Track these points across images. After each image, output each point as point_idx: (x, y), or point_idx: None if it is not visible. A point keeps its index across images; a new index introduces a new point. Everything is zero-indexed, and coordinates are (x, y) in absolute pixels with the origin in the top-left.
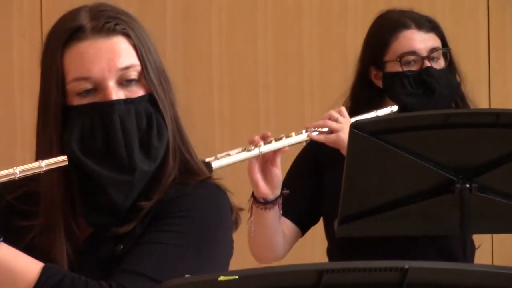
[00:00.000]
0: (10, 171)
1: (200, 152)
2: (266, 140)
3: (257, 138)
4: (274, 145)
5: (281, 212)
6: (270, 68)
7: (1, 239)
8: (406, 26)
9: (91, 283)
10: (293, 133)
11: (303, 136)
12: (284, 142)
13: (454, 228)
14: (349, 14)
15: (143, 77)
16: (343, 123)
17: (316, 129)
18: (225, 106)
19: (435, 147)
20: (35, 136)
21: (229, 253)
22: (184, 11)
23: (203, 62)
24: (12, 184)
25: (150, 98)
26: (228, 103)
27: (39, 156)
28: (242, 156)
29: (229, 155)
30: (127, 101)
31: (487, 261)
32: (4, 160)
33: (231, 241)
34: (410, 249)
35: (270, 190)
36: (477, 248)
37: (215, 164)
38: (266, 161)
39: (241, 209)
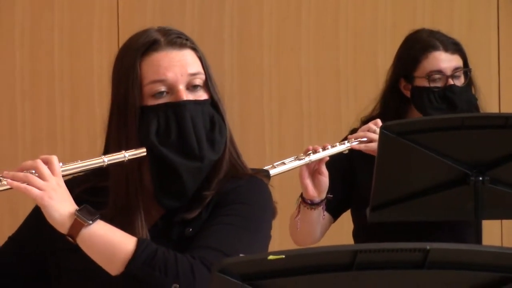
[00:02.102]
0: (99, 160)
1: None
2: (316, 151)
3: (310, 147)
4: (321, 154)
5: (324, 213)
6: (311, 77)
7: (98, 216)
8: (435, 48)
9: (179, 255)
10: (337, 143)
11: (346, 146)
12: (330, 152)
13: (469, 215)
14: (379, 29)
15: (206, 84)
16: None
17: (356, 139)
18: (274, 111)
19: (452, 146)
20: (106, 132)
21: (269, 236)
22: (239, 32)
23: (255, 75)
24: (78, 179)
25: (212, 102)
26: (277, 109)
27: (113, 149)
28: (295, 164)
29: (283, 163)
30: (196, 102)
31: (497, 244)
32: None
33: (271, 227)
34: (426, 234)
35: (317, 193)
36: None
37: (272, 172)
38: (315, 169)
39: (275, 202)
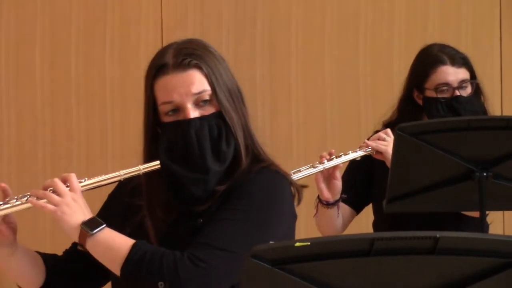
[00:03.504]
0: (117, 174)
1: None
2: (331, 155)
3: (324, 154)
4: (334, 162)
5: (339, 211)
6: (334, 87)
7: (105, 226)
8: (442, 62)
9: (167, 253)
10: (350, 151)
11: (358, 153)
12: (342, 159)
13: (474, 207)
14: (395, 43)
15: (214, 98)
16: (389, 141)
17: (368, 147)
18: (301, 117)
19: (460, 145)
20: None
21: (290, 222)
22: (269, 46)
23: (284, 84)
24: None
25: (219, 114)
26: (303, 115)
27: (145, 159)
28: (309, 172)
29: (299, 171)
30: (201, 118)
31: (500, 233)
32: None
33: (291, 213)
34: (436, 224)
35: (331, 195)
36: (489, 224)
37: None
38: (329, 174)
39: (304, 186)
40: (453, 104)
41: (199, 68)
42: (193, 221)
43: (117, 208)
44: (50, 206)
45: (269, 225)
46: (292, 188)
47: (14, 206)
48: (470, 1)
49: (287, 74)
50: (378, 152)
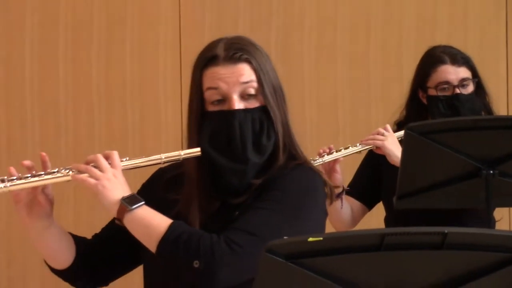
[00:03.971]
0: (158, 157)
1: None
2: (330, 150)
3: (324, 149)
4: (334, 156)
5: (342, 203)
6: (346, 87)
7: (144, 203)
8: (443, 62)
9: (204, 235)
10: (350, 145)
11: (358, 148)
12: (342, 153)
13: (481, 203)
14: (404, 45)
15: (260, 93)
16: (387, 136)
17: (367, 142)
18: (314, 116)
19: (467, 144)
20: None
21: (320, 218)
22: (283, 47)
23: (297, 84)
24: (172, 167)
25: (264, 109)
26: (316, 114)
27: (187, 146)
28: None
29: None
30: (245, 111)
31: (506, 228)
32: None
33: (323, 209)
34: (443, 220)
35: None
36: (498, 221)
37: None
38: (330, 168)
39: (336, 187)
40: (454, 102)
41: (249, 62)
42: (230, 213)
43: (150, 201)
44: (91, 180)
45: (299, 218)
46: (325, 187)
47: (54, 178)
48: (477, 3)
49: (300, 75)
50: (378, 147)
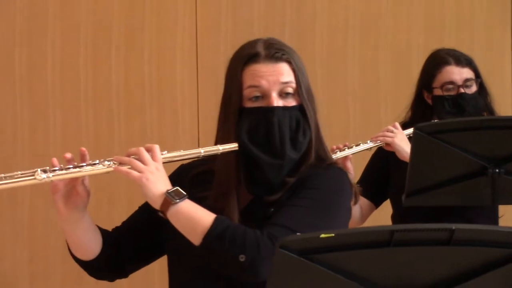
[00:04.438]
0: (197, 151)
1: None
2: (341, 148)
3: (335, 147)
4: (345, 152)
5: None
6: (356, 87)
7: (187, 197)
8: (447, 63)
9: (248, 229)
10: (361, 142)
11: (368, 145)
12: (354, 150)
13: (487, 201)
14: (413, 48)
15: (297, 92)
16: (396, 133)
17: (376, 139)
18: (325, 115)
19: (473, 143)
20: (216, 127)
21: (346, 217)
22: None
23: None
24: (197, 162)
25: (300, 108)
26: (327, 113)
27: (218, 141)
28: None
29: None
30: (284, 108)
31: (509, 225)
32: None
33: (349, 208)
34: (448, 217)
35: None
36: (500, 217)
37: None
38: (341, 165)
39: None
40: (459, 101)
41: (289, 62)
42: (265, 209)
43: None
44: (135, 173)
45: (330, 216)
46: (351, 188)
47: (96, 169)
48: (484, 7)
49: (312, 76)
50: (387, 144)
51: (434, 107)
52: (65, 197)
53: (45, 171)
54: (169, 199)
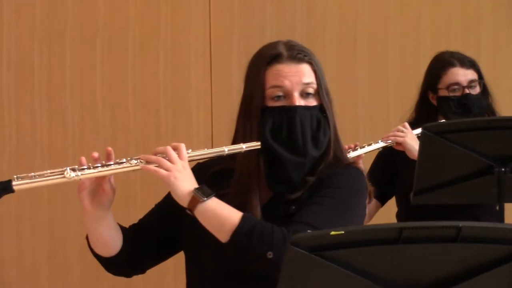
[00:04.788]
0: (221, 149)
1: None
2: (355, 147)
3: (347, 147)
4: (357, 152)
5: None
6: (366, 89)
7: (213, 195)
8: (452, 65)
9: (275, 228)
10: (372, 142)
11: (379, 144)
12: (366, 149)
13: (493, 199)
14: (421, 50)
15: (317, 93)
16: (406, 133)
17: (387, 139)
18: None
19: (480, 143)
20: (236, 124)
21: (363, 215)
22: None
23: None
24: (214, 161)
25: (320, 108)
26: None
27: (238, 140)
28: None
29: None
30: (306, 108)
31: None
32: None
33: (365, 207)
34: (452, 215)
35: None
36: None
37: None
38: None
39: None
40: (464, 101)
41: (310, 63)
42: (286, 207)
43: None
44: (163, 172)
45: (349, 214)
46: (367, 188)
47: (123, 167)
48: (489, 10)
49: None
50: (398, 143)
51: (440, 107)
52: (91, 195)
53: (74, 170)
54: (197, 197)
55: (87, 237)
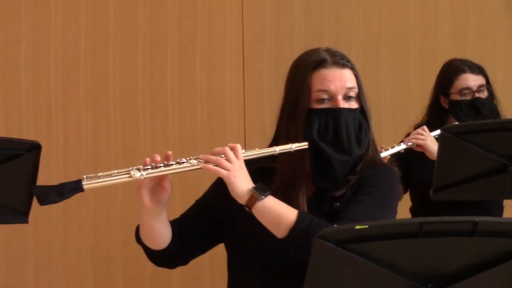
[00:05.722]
0: (272, 149)
1: None
2: (381, 149)
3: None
4: (383, 154)
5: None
6: (387, 93)
7: (270, 193)
8: (464, 71)
9: (328, 224)
10: (395, 145)
11: (402, 146)
12: (390, 152)
13: (508, 196)
14: (439, 54)
15: (358, 96)
16: (426, 136)
17: (410, 140)
18: None
19: (495, 143)
20: (276, 125)
21: (394, 212)
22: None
23: None
24: (253, 160)
25: (361, 111)
26: None
27: (282, 140)
28: None
29: None
30: (349, 110)
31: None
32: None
33: (396, 204)
34: (465, 211)
35: None
36: (504, 206)
37: None
38: None
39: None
40: (474, 105)
41: (352, 69)
42: (330, 203)
43: None
44: (223, 171)
45: (387, 211)
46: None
47: (185, 167)
48: (504, 19)
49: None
50: (418, 145)
51: (452, 110)
52: (149, 193)
53: (139, 170)
54: (256, 195)
55: (137, 231)
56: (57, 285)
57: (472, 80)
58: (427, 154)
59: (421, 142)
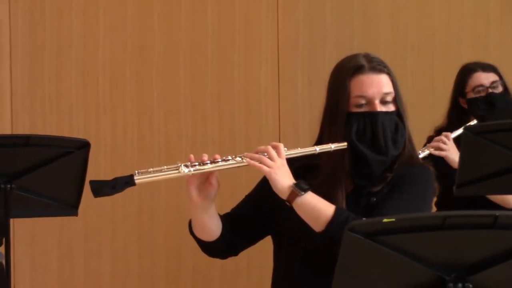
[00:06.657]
0: (313, 149)
1: None
2: None
3: None
4: None
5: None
6: (414, 96)
7: (310, 189)
8: (475, 70)
9: (364, 219)
10: (420, 151)
11: (426, 153)
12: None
13: None
14: (462, 58)
15: (395, 100)
16: (449, 146)
17: (433, 147)
18: None
19: None
20: (319, 128)
21: (431, 208)
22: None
23: None
24: (295, 158)
25: (397, 113)
26: None
27: (324, 141)
28: None
29: None
30: (386, 113)
31: None
32: None
33: (432, 202)
34: (484, 204)
35: None
36: None
37: None
38: None
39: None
40: (489, 100)
41: (389, 74)
42: (367, 198)
43: None
44: (265, 168)
45: (423, 208)
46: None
47: (230, 164)
48: None
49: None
50: (442, 155)
51: (470, 108)
52: (197, 188)
53: (187, 166)
54: (296, 191)
55: (189, 224)
56: (104, 274)
57: (485, 78)
58: (448, 162)
59: (443, 153)
